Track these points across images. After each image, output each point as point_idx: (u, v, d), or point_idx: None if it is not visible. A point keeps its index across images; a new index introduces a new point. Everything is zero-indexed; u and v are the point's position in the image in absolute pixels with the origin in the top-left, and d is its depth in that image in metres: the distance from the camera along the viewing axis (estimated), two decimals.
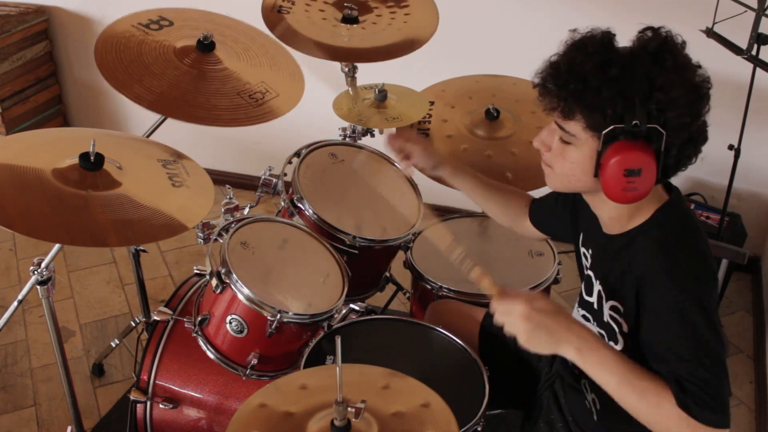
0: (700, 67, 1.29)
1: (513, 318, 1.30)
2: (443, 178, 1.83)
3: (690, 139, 1.28)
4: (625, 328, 1.39)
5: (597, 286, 1.47)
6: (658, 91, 1.23)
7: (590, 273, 1.50)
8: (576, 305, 1.56)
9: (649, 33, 1.29)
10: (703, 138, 1.31)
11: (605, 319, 1.45)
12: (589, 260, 1.52)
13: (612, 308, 1.42)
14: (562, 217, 1.64)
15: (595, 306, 1.48)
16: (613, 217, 1.41)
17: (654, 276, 1.31)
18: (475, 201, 1.83)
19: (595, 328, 1.50)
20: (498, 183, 1.84)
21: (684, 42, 1.30)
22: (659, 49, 1.27)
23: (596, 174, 1.31)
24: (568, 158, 1.35)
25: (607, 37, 1.29)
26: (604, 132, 1.26)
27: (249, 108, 1.95)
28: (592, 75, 1.25)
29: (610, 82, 1.24)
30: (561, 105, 1.30)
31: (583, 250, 1.55)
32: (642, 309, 1.33)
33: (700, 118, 1.28)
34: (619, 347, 1.40)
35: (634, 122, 1.24)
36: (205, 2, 2.51)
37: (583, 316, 1.54)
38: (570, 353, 1.29)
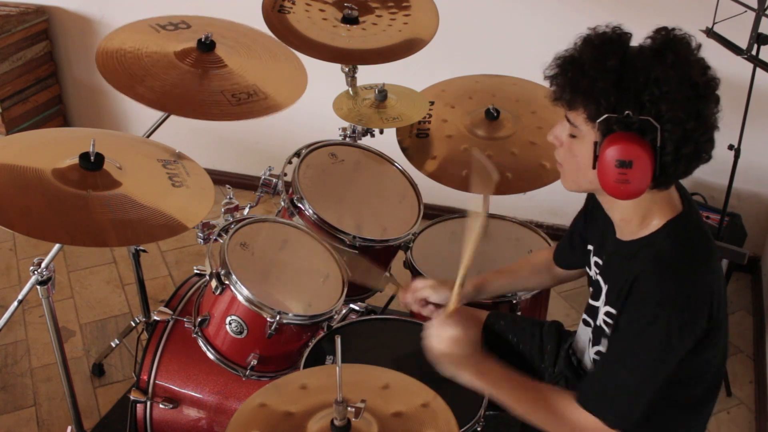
0: (708, 68, 1.28)
1: (446, 336, 1.50)
2: (471, 298, 1.82)
3: (687, 137, 1.26)
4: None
5: (604, 290, 1.48)
6: (652, 84, 1.24)
7: (599, 279, 1.50)
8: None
9: (662, 32, 1.30)
10: (705, 139, 1.29)
11: (598, 323, 1.47)
12: (600, 267, 1.53)
13: (607, 314, 1.44)
14: (579, 245, 1.66)
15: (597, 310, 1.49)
16: (624, 219, 1.41)
17: (644, 284, 1.33)
18: (515, 291, 1.93)
19: (588, 330, 1.52)
20: (518, 262, 1.89)
21: (699, 44, 1.30)
22: (662, 46, 1.27)
23: (594, 166, 1.32)
24: (574, 152, 1.37)
25: (616, 33, 1.30)
26: (598, 121, 1.27)
27: (253, 103, 1.94)
28: (590, 64, 1.27)
29: (607, 73, 1.25)
30: (562, 94, 1.32)
31: (595, 259, 1.56)
32: (624, 308, 1.37)
33: (699, 117, 1.26)
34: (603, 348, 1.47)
35: (626, 113, 1.25)
36: (205, 2, 2.51)
37: (584, 320, 1.56)
38: (466, 378, 1.47)
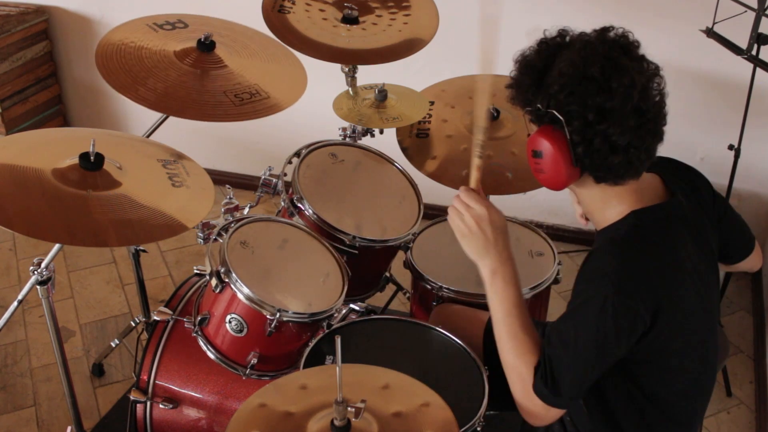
0: (620, 67, 1.28)
1: (467, 214, 1.44)
2: None
3: (593, 131, 1.29)
4: None
5: None
6: (555, 78, 1.30)
7: None
8: None
9: (596, 31, 1.35)
10: (616, 133, 1.29)
11: None
12: None
13: None
14: None
15: None
16: (587, 211, 1.47)
17: (591, 261, 1.38)
18: None
19: None
20: None
21: (632, 43, 1.32)
22: (581, 46, 1.32)
23: None
24: None
25: (561, 35, 1.37)
26: (522, 113, 1.38)
27: (255, 102, 1.94)
28: (523, 63, 1.37)
29: (531, 70, 1.35)
30: (510, 92, 1.41)
31: None
32: (577, 277, 1.41)
33: (602, 112, 1.27)
34: None
35: (537, 106, 1.33)
36: (206, 2, 2.51)
37: None
38: (485, 270, 1.44)
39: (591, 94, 1.28)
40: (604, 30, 1.34)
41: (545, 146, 1.33)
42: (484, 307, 1.91)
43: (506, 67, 2.45)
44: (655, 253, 1.36)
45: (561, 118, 1.30)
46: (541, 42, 1.38)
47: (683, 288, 1.37)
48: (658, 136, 1.35)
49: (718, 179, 2.82)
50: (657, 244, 1.37)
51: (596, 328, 1.32)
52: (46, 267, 1.76)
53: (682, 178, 1.50)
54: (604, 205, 1.41)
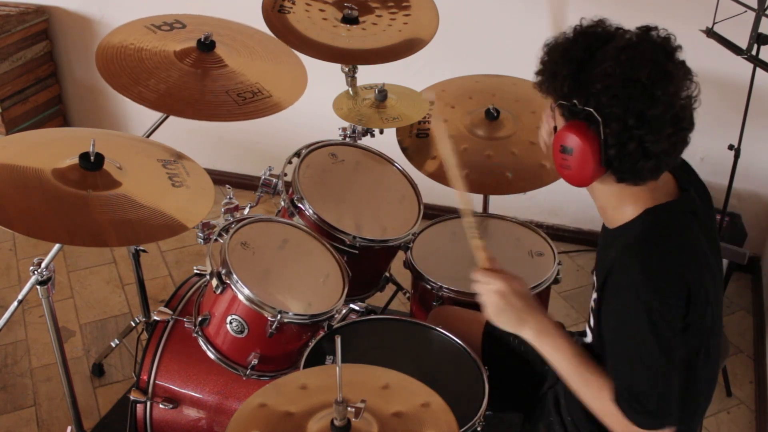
0: (667, 73, 1.26)
1: (490, 291, 1.43)
2: None
3: (629, 135, 1.26)
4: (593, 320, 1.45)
5: (593, 279, 1.51)
6: (599, 77, 1.26)
7: (593, 278, 1.52)
8: None
9: (641, 30, 1.31)
10: (652, 141, 1.27)
11: (589, 308, 1.50)
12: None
13: (594, 300, 1.46)
14: None
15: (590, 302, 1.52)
16: (601, 206, 1.45)
17: (617, 279, 1.34)
18: None
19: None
20: None
21: (675, 48, 1.29)
22: (627, 43, 1.28)
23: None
24: (550, 137, 1.42)
25: (600, 27, 1.33)
26: (553, 106, 1.34)
27: (258, 101, 1.94)
28: (560, 53, 1.32)
29: (570, 62, 1.30)
30: (539, 76, 1.36)
31: (592, 279, 1.57)
32: (603, 304, 1.38)
33: (642, 118, 1.25)
34: (588, 339, 1.48)
35: (573, 101, 1.29)
36: (206, 2, 2.51)
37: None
38: (529, 335, 1.42)
39: (634, 98, 1.24)
40: (648, 29, 1.30)
41: (577, 144, 1.29)
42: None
43: (506, 68, 2.46)
44: (674, 246, 1.34)
45: (599, 118, 1.26)
46: (579, 32, 1.33)
47: (705, 279, 1.36)
48: (687, 143, 1.33)
49: (718, 179, 2.84)
50: (673, 237, 1.35)
51: (656, 338, 1.28)
52: (46, 267, 1.76)
53: (691, 174, 1.50)
54: (618, 203, 1.39)
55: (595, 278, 1.50)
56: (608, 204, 1.42)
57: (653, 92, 1.25)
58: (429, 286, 2.02)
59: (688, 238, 1.36)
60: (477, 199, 2.44)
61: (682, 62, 1.30)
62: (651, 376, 1.30)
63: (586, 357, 1.40)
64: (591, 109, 1.27)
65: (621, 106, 1.25)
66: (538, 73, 1.36)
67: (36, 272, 1.75)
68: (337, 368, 1.23)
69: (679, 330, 1.31)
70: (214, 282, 1.71)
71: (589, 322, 1.53)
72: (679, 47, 1.30)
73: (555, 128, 1.36)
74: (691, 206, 1.41)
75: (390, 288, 2.31)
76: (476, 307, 1.93)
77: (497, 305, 1.43)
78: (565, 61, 1.31)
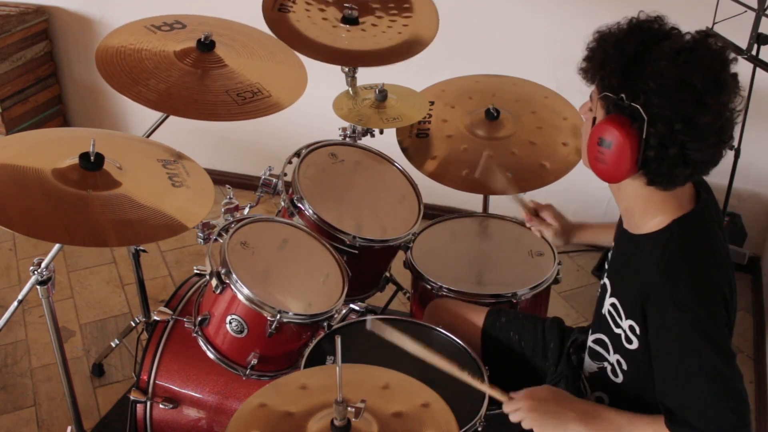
0: (722, 82, 1.25)
1: (523, 414, 1.45)
2: (562, 242, 1.91)
3: (673, 138, 1.24)
4: (623, 321, 1.42)
5: (605, 281, 1.49)
6: (652, 76, 1.24)
7: (606, 281, 1.50)
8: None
9: (699, 34, 1.29)
10: (695, 148, 1.25)
11: (603, 311, 1.47)
12: (608, 261, 1.54)
13: (612, 305, 1.44)
14: None
15: (602, 305, 1.50)
16: (627, 209, 1.43)
17: (657, 298, 1.32)
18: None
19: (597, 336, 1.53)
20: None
21: (728, 59, 1.27)
22: (685, 46, 1.26)
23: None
24: (586, 127, 1.39)
25: (657, 24, 1.31)
26: (598, 97, 1.31)
27: (258, 101, 1.94)
28: (613, 43, 1.29)
29: (621, 55, 1.27)
30: (586, 63, 1.34)
31: (604, 281, 1.54)
32: (650, 328, 1.35)
33: (690, 123, 1.23)
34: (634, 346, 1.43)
35: (621, 95, 1.26)
36: (206, 2, 2.51)
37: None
38: (579, 426, 1.42)
39: (686, 102, 1.22)
40: (707, 35, 1.28)
41: (617, 139, 1.26)
42: (480, 304, 1.92)
43: (506, 68, 2.46)
44: (708, 257, 1.33)
45: (645, 117, 1.23)
46: (635, 24, 1.30)
47: (733, 284, 1.35)
48: (723, 156, 1.32)
49: (718, 179, 2.83)
50: (705, 249, 1.34)
51: (712, 347, 1.27)
52: (46, 267, 1.76)
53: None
54: (646, 207, 1.37)
55: (608, 280, 1.48)
56: (635, 207, 1.39)
57: (705, 99, 1.22)
58: (429, 286, 2.02)
59: (716, 246, 1.36)
60: (477, 199, 2.44)
61: (735, 74, 1.28)
62: (721, 391, 1.28)
63: (629, 415, 1.40)
64: (638, 106, 1.24)
65: (671, 108, 1.22)
66: (585, 59, 1.34)
67: (36, 272, 1.75)
68: (337, 368, 1.23)
69: (729, 332, 1.32)
70: (214, 282, 1.71)
71: (596, 326, 1.52)
72: (735, 59, 1.29)
73: (594, 120, 1.33)
74: (712, 211, 1.41)
75: (390, 288, 2.31)
76: (474, 303, 1.94)
77: (536, 421, 1.44)
78: (617, 52, 1.28)
